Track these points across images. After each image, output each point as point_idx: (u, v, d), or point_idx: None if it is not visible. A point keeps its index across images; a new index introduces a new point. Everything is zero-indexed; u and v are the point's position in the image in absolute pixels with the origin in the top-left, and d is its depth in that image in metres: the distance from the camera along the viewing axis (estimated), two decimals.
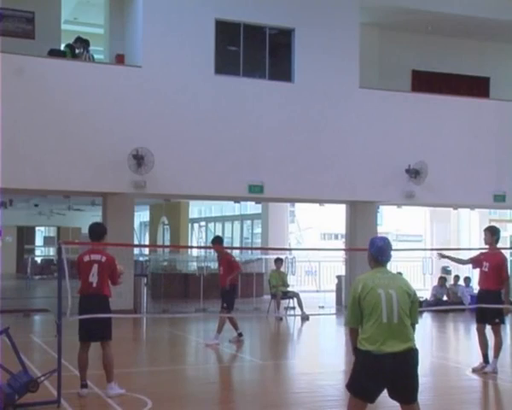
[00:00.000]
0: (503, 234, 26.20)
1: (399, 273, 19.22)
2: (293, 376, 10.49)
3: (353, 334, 5.37)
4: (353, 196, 17.97)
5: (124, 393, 8.09)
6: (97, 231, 8.37)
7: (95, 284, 8.01)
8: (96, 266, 8.02)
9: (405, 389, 5.23)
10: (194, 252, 22.83)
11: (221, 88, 16.42)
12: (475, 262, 10.13)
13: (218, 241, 12.58)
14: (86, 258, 8.12)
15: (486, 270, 9.76)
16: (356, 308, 5.27)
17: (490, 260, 9.76)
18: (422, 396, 6.16)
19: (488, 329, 9.88)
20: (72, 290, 7.86)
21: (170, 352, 12.53)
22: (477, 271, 10.28)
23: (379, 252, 5.40)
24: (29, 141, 14.75)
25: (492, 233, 9.88)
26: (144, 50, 15.93)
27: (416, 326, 5.41)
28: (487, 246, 9.96)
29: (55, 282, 8.13)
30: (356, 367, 5.28)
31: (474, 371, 9.77)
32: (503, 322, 9.85)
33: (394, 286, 5.27)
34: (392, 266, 21.72)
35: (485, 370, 9.66)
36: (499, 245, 10.00)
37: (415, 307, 5.35)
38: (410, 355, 5.20)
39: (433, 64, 20.07)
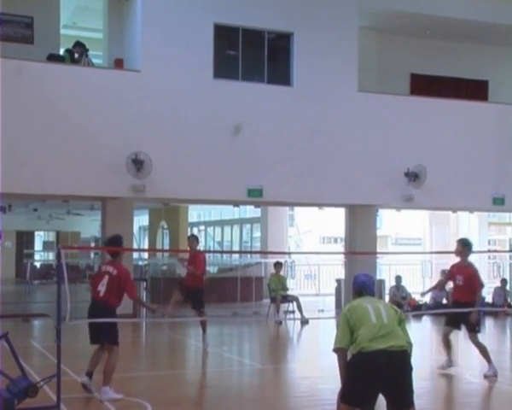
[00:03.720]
0: (502, 237, 26.29)
1: (399, 277, 19.28)
2: (292, 380, 10.49)
3: (341, 358, 5.37)
4: (352, 199, 17.97)
5: (121, 398, 8.05)
6: (118, 239, 8.73)
7: (101, 294, 8.22)
8: (106, 277, 8.29)
9: (400, 389, 5.21)
10: None
11: (220, 92, 16.42)
12: (449, 276, 10.44)
13: (195, 239, 12.62)
14: (103, 268, 8.57)
15: (460, 283, 10.01)
16: (345, 328, 5.35)
17: (462, 274, 10.00)
18: (421, 400, 6.17)
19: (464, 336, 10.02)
20: (71, 295, 7.86)
21: (169, 356, 12.51)
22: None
23: (362, 286, 5.67)
24: (28, 146, 14.76)
25: (463, 245, 10.13)
26: (143, 55, 15.95)
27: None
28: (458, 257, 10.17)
29: (55, 287, 8.14)
30: (348, 375, 5.27)
31: (441, 368, 10.07)
32: (479, 331, 10.11)
33: (380, 303, 5.56)
34: (392, 270, 21.79)
35: (486, 373, 9.67)
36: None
37: (403, 326, 5.45)
38: (402, 354, 5.23)
39: (431, 67, 20.09)
